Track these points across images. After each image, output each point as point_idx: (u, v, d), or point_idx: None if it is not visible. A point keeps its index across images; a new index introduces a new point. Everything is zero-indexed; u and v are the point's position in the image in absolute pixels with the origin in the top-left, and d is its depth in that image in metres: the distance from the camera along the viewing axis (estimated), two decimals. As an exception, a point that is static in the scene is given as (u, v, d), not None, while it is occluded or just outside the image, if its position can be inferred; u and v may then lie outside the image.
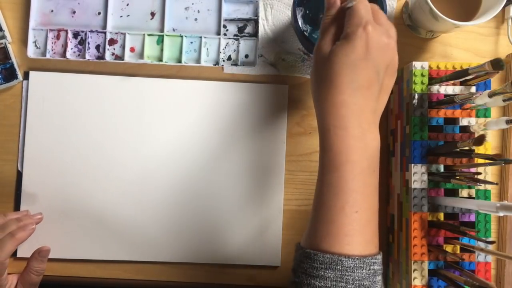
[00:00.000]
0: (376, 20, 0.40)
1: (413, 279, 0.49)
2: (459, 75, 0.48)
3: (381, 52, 0.40)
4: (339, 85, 0.39)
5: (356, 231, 0.39)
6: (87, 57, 0.56)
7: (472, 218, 0.50)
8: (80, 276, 0.56)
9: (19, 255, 0.55)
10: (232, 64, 0.57)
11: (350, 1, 0.41)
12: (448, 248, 0.50)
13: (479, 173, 0.49)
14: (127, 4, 0.57)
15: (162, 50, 0.56)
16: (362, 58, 0.39)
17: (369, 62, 0.39)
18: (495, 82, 0.57)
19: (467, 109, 0.50)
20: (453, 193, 0.51)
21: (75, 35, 0.57)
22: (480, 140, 0.43)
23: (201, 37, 0.56)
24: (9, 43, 0.56)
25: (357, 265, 0.38)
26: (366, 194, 0.39)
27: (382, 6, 0.48)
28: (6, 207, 0.56)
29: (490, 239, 0.50)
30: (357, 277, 0.38)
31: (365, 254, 0.39)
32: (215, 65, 0.57)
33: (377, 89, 0.40)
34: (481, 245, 0.48)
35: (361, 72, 0.39)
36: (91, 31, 0.56)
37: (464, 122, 0.50)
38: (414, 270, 0.49)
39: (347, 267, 0.38)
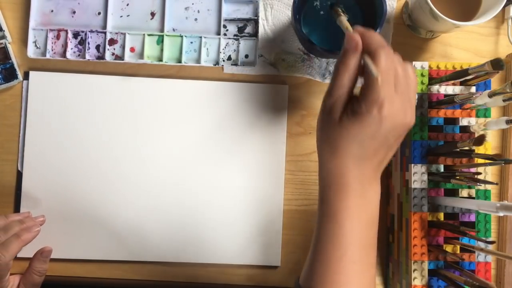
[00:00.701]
0: (397, 82, 0.36)
1: (413, 279, 0.49)
2: (459, 75, 0.48)
3: (394, 130, 0.37)
4: (345, 154, 0.38)
5: (353, 282, 0.39)
6: (87, 57, 0.56)
7: (472, 218, 0.50)
8: (80, 276, 0.56)
9: (20, 255, 0.55)
10: (232, 64, 0.57)
11: (371, 66, 0.35)
12: (448, 248, 0.50)
13: (479, 173, 0.49)
14: (127, 4, 0.57)
15: (162, 50, 0.56)
16: (372, 137, 0.37)
17: (379, 139, 0.37)
18: (495, 82, 0.57)
19: (467, 109, 0.50)
20: (453, 193, 0.51)
21: (75, 35, 0.57)
22: (480, 140, 0.43)
23: (201, 37, 0.56)
24: (9, 43, 0.56)
25: None
26: (365, 246, 0.39)
27: (382, 6, 0.48)
28: (6, 207, 0.56)
29: (490, 239, 0.50)
30: None
31: None
32: (215, 65, 0.57)
33: (383, 156, 0.39)
34: (481, 245, 0.48)
35: (368, 148, 0.37)
36: (91, 31, 0.56)
37: (464, 122, 0.50)
38: (414, 270, 0.49)
39: None
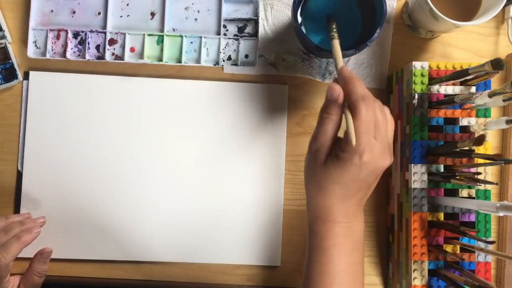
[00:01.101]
0: (376, 126, 0.39)
1: (413, 279, 0.49)
2: (459, 75, 0.48)
3: (374, 172, 0.40)
4: (329, 193, 0.41)
5: None
6: (87, 57, 0.56)
7: (472, 218, 0.50)
8: (80, 276, 0.56)
9: (20, 255, 0.54)
10: (232, 64, 0.57)
11: (348, 123, 0.38)
12: (448, 248, 0.50)
13: (479, 173, 0.49)
14: (127, 4, 0.57)
15: (162, 50, 0.56)
16: (354, 180, 0.40)
17: (362, 181, 0.40)
18: (495, 82, 0.57)
19: (467, 109, 0.50)
20: (453, 193, 0.51)
21: (75, 35, 0.56)
22: (480, 140, 0.43)
23: (201, 37, 0.56)
24: (9, 43, 0.56)
25: None
26: (352, 272, 0.42)
27: (382, 6, 0.48)
28: (6, 207, 0.56)
29: (490, 239, 0.50)
30: None
31: None
32: (215, 65, 0.57)
33: (364, 193, 0.42)
34: (481, 245, 0.48)
35: (351, 189, 0.40)
36: (91, 31, 0.56)
37: (464, 122, 0.50)
38: (414, 270, 0.49)
39: None
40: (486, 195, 0.50)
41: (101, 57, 0.56)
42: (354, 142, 0.38)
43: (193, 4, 0.57)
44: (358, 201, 0.42)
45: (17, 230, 0.50)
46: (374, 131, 0.39)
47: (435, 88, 0.50)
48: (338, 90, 0.40)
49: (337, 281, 0.41)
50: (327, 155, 0.40)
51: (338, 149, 0.40)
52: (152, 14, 0.57)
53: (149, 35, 0.57)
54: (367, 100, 0.39)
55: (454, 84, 0.51)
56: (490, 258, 0.49)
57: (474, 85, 0.51)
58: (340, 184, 0.40)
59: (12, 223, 0.51)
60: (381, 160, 0.40)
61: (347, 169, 0.39)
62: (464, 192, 0.50)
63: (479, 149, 0.50)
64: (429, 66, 0.50)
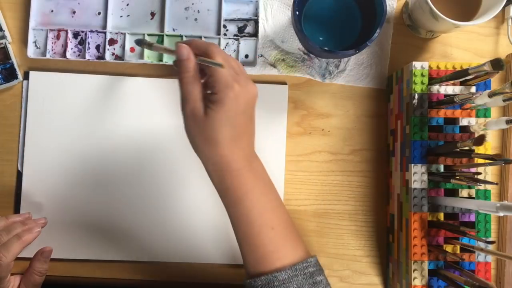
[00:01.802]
0: (233, 68, 0.42)
1: (413, 279, 0.49)
2: (459, 75, 0.48)
3: (249, 100, 0.42)
4: (221, 142, 0.41)
5: (279, 245, 0.42)
6: (87, 57, 0.56)
7: (472, 218, 0.50)
8: (80, 276, 0.56)
9: (20, 255, 0.54)
10: (232, 64, 0.57)
11: (211, 61, 0.41)
12: (448, 248, 0.50)
13: (479, 173, 0.49)
14: (127, 4, 0.57)
15: (162, 50, 0.56)
16: (237, 114, 0.41)
17: (243, 114, 0.42)
18: (495, 82, 0.57)
19: (467, 109, 0.50)
20: (453, 193, 0.51)
21: (75, 35, 0.56)
22: (480, 140, 0.43)
23: (201, 37, 0.56)
24: (9, 43, 0.56)
25: (291, 275, 0.41)
26: (273, 209, 0.44)
27: (382, 6, 0.48)
28: (6, 207, 0.56)
29: (490, 239, 0.50)
30: (295, 285, 0.41)
31: (295, 261, 0.42)
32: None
33: (251, 127, 0.44)
34: (481, 245, 0.48)
35: (239, 124, 0.42)
36: (91, 31, 0.56)
37: (464, 122, 0.50)
38: (414, 270, 0.49)
39: (282, 281, 0.41)
40: (486, 195, 0.50)
41: (101, 57, 0.56)
42: (219, 63, 0.40)
43: (193, 4, 0.57)
44: (249, 142, 0.44)
45: (18, 230, 0.50)
46: (233, 67, 0.42)
47: (435, 88, 0.50)
48: (186, 47, 0.42)
49: (263, 223, 0.42)
50: (204, 109, 0.41)
51: (210, 96, 0.41)
52: (152, 14, 0.57)
53: (149, 35, 0.57)
54: (214, 45, 0.43)
55: (454, 84, 0.51)
56: (490, 258, 0.49)
57: (474, 85, 0.51)
58: (227, 125, 0.41)
59: (13, 223, 0.51)
60: (250, 87, 0.42)
61: (227, 106, 0.40)
62: (464, 192, 0.50)
63: (479, 149, 0.50)
64: (429, 66, 0.50)
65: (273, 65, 0.58)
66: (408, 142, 0.51)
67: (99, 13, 0.57)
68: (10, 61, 0.56)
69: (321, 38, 0.55)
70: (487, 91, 0.45)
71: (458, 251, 0.50)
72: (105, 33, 0.56)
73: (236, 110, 0.41)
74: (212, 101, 0.41)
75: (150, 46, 0.47)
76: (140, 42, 0.48)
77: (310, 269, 0.42)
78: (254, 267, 0.43)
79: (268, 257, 0.42)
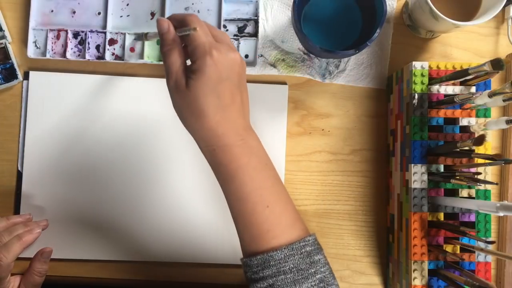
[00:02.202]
0: (215, 37, 0.42)
1: (413, 279, 0.49)
2: (459, 75, 0.48)
3: (232, 68, 0.41)
4: (207, 112, 0.40)
5: (275, 223, 0.41)
6: (87, 57, 0.56)
7: (472, 218, 0.50)
8: (80, 276, 0.56)
9: (20, 255, 0.54)
10: (232, 64, 0.57)
11: (187, 28, 0.41)
12: (448, 248, 0.50)
13: (479, 173, 0.49)
14: (127, 4, 0.57)
15: (162, 50, 0.56)
16: (219, 82, 0.40)
17: (226, 81, 0.41)
18: (495, 82, 0.57)
19: (467, 109, 0.50)
20: (453, 193, 0.51)
21: (75, 35, 0.56)
22: (480, 140, 0.43)
23: (201, 37, 0.56)
24: (9, 43, 0.56)
25: (287, 254, 0.40)
26: (269, 186, 0.42)
27: (382, 6, 0.48)
28: (6, 207, 0.56)
29: (490, 239, 0.50)
30: (292, 265, 0.40)
31: (292, 240, 0.41)
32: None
33: (239, 98, 0.42)
34: (481, 245, 0.48)
35: (223, 93, 0.41)
36: (91, 31, 0.56)
37: (464, 122, 0.50)
38: (414, 270, 0.49)
39: (279, 260, 0.40)
40: (486, 195, 0.50)
41: (101, 57, 0.56)
42: (193, 27, 0.40)
43: (193, 4, 0.57)
44: (240, 112, 0.42)
45: (19, 231, 0.50)
46: (214, 35, 0.42)
47: (435, 88, 0.50)
48: (166, 21, 0.42)
49: (257, 201, 0.41)
50: (186, 79, 0.41)
51: (190, 67, 0.41)
52: (152, 14, 0.57)
53: (149, 35, 0.57)
54: (192, 14, 0.42)
55: (454, 84, 0.51)
56: (490, 258, 0.49)
57: (474, 85, 0.51)
58: (210, 94, 0.40)
59: (14, 224, 0.51)
60: (230, 54, 0.41)
61: (207, 73, 0.39)
62: (464, 192, 0.50)
63: (479, 149, 0.50)
64: (429, 66, 0.50)
65: (273, 65, 0.58)
66: (408, 142, 0.51)
67: (99, 13, 0.57)
68: (10, 61, 0.56)
69: (321, 38, 0.55)
70: (487, 91, 0.45)
71: (458, 251, 0.50)
72: (105, 33, 0.56)
73: (218, 77, 0.40)
74: (192, 71, 0.40)
75: (145, 36, 0.49)
76: (139, 37, 0.50)
77: (307, 248, 0.41)
78: (249, 245, 0.41)
79: (264, 235, 0.41)
